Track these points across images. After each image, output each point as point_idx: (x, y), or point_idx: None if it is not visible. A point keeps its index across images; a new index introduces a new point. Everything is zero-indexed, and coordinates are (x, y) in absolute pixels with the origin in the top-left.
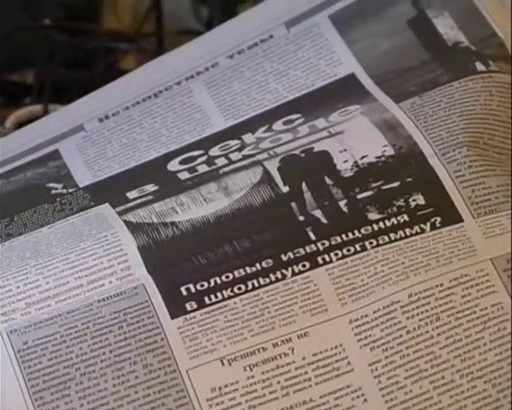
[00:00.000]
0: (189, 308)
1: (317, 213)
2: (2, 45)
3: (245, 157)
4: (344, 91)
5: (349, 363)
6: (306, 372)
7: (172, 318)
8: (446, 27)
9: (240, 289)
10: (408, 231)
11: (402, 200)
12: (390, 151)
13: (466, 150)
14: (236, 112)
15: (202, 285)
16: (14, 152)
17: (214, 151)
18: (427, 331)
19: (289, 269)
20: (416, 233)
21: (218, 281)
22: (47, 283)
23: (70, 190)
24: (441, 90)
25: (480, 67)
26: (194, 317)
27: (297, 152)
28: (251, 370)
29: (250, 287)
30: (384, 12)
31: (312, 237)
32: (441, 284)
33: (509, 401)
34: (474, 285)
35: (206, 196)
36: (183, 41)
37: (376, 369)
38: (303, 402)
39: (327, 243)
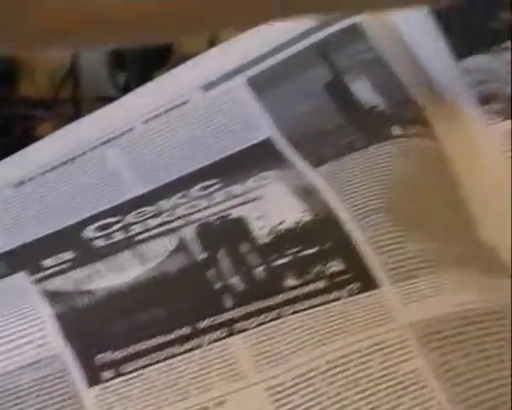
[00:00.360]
0: (105, 377)
1: (234, 280)
2: None
3: (161, 224)
4: (261, 156)
5: None
6: None
7: (89, 386)
8: (363, 91)
9: (156, 357)
10: (325, 297)
11: (319, 266)
12: (307, 217)
13: (383, 216)
14: (153, 177)
15: (119, 354)
16: None
17: (130, 218)
18: (347, 397)
19: (206, 337)
20: (334, 300)
21: (135, 349)
22: None
23: None
24: (358, 154)
25: (396, 131)
26: (111, 386)
27: (213, 219)
28: None
29: (166, 355)
30: (301, 76)
31: (229, 304)
32: (359, 351)
33: None
34: (392, 351)
35: (122, 263)
36: (99, 107)
37: None
38: None
39: (243, 311)
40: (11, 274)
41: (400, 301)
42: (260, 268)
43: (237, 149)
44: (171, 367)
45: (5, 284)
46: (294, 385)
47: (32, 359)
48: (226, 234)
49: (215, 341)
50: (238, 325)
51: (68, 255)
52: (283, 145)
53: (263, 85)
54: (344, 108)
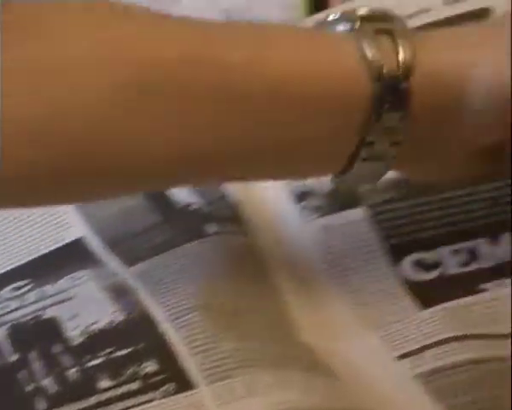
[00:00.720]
0: None
1: (46, 382)
2: None
3: None
4: (73, 256)
5: None
6: None
7: None
8: (177, 189)
9: None
10: (139, 398)
11: (133, 367)
12: (120, 317)
13: (198, 315)
14: None
15: None
16: None
17: None
18: None
19: None
20: (148, 401)
21: None
22: None
23: None
24: (172, 253)
25: (211, 229)
26: None
27: (25, 320)
28: None
29: None
30: None
31: (41, 406)
32: None
33: None
34: None
35: None
36: None
37: None
38: None
39: None
40: None
41: (214, 403)
42: (73, 370)
43: (49, 248)
44: None
45: None
46: None
47: None
48: (38, 335)
49: None
50: None
51: None
52: (96, 245)
53: None
54: (158, 207)
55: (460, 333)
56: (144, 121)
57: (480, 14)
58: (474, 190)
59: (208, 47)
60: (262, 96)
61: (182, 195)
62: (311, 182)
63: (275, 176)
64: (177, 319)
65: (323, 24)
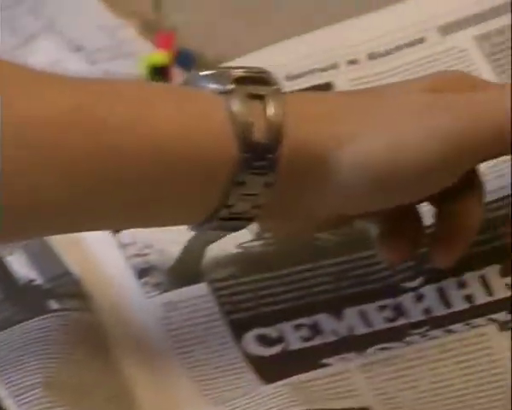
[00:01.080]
0: None
1: None
2: None
3: None
4: None
5: None
6: None
7: None
8: (18, 265)
9: None
10: None
11: None
12: None
13: (41, 391)
14: None
15: None
16: None
17: None
18: None
19: None
20: None
21: None
22: None
23: None
24: (14, 329)
25: (53, 305)
26: None
27: None
28: None
29: None
30: None
31: None
32: None
33: None
34: None
35: None
36: None
37: None
38: None
39: None
40: None
41: None
42: None
43: None
44: None
45: None
46: None
47: None
48: None
49: None
50: None
51: None
52: None
53: None
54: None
55: (303, 408)
56: (22, 173)
57: (322, 89)
58: (317, 264)
59: (86, 106)
60: (132, 154)
61: (23, 271)
62: (152, 258)
63: (133, 226)
64: (19, 395)
65: (195, 78)
